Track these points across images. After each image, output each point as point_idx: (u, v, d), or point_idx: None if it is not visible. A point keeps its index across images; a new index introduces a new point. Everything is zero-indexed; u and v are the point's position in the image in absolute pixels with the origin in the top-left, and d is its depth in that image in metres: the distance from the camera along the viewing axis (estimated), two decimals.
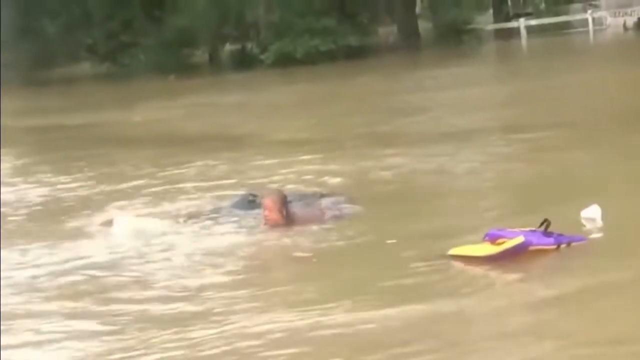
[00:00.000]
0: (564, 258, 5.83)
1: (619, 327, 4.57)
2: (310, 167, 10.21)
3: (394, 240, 6.49)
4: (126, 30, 38.27)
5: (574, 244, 5.97)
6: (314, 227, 7.06)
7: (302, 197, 7.64)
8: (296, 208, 7.33)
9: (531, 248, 5.84)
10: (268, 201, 7.20)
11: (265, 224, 7.16)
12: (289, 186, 8.76)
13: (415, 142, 11.64)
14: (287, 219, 7.12)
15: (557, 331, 4.58)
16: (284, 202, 7.18)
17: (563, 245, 5.94)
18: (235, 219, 7.50)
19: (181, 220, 7.77)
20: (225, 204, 8.03)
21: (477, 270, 5.72)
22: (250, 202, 7.71)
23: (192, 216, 7.86)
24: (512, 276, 5.64)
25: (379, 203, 7.93)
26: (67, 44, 40.14)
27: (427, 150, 10.72)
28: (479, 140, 11.40)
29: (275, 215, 7.10)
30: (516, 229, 6.01)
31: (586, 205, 6.56)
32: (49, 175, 11.60)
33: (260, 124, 16.13)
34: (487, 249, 5.87)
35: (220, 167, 10.79)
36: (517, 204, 7.63)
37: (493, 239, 5.89)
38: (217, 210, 7.89)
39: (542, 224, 5.99)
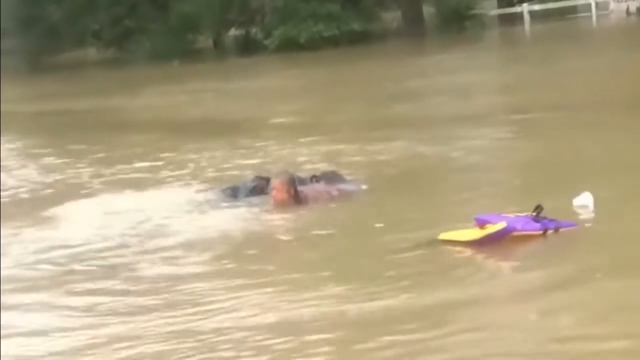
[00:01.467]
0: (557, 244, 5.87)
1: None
2: (313, 150, 10.39)
3: (381, 225, 6.60)
4: (131, 15, 38.30)
5: (562, 229, 5.98)
6: (319, 208, 7.30)
7: (299, 180, 7.82)
8: (304, 189, 7.57)
9: (515, 234, 5.88)
10: (276, 182, 7.52)
11: (274, 203, 7.43)
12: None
13: (417, 127, 11.75)
14: (295, 200, 7.40)
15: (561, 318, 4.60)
16: (292, 183, 7.47)
17: (550, 231, 5.94)
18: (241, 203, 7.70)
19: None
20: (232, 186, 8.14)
21: (475, 258, 5.79)
22: (258, 188, 7.88)
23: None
24: (509, 263, 5.72)
25: (380, 186, 8.06)
26: (73, 30, 40.17)
27: (429, 135, 10.82)
28: (480, 125, 11.51)
29: (282, 195, 7.39)
30: (510, 214, 6.08)
31: (578, 193, 6.55)
32: (51, 159, 11.77)
33: (263, 108, 16.25)
34: (473, 233, 5.94)
35: (222, 152, 10.93)
36: (516, 189, 7.75)
37: (481, 224, 5.95)
38: (224, 193, 8.04)
39: (535, 209, 6.03)
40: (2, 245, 6.90)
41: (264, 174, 8.15)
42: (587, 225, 6.24)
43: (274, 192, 7.47)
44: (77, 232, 7.27)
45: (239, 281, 5.66)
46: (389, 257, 5.84)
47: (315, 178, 7.90)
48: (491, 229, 5.86)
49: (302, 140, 11.25)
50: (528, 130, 10.76)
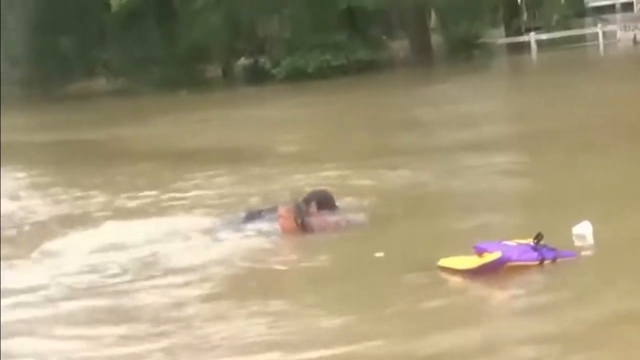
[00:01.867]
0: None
1: None
2: (319, 177, 10.41)
3: (382, 254, 6.60)
4: (141, 46, 38.64)
5: (560, 259, 5.93)
6: (324, 238, 7.35)
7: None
8: (312, 218, 7.61)
9: (511, 264, 5.83)
10: (283, 210, 7.59)
11: (281, 231, 7.51)
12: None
13: (422, 155, 11.76)
14: (302, 228, 7.48)
15: None
16: (298, 212, 7.53)
17: (547, 261, 5.89)
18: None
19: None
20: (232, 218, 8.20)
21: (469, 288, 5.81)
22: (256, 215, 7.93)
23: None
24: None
25: (384, 214, 8.08)
26: (83, 60, 40.55)
27: (433, 163, 10.89)
28: (485, 153, 11.51)
29: (289, 224, 7.48)
30: (511, 242, 6.02)
31: (578, 221, 6.48)
32: (57, 189, 11.79)
33: (270, 137, 16.33)
34: (471, 261, 5.91)
35: (228, 179, 11.00)
36: (518, 217, 7.73)
37: (479, 252, 5.92)
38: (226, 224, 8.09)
39: (535, 237, 5.98)
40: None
41: (256, 209, 8.18)
42: (584, 254, 6.19)
43: (280, 220, 7.55)
44: (77, 260, 7.33)
45: (236, 311, 5.69)
46: (386, 288, 5.86)
47: (305, 201, 7.88)
48: (486, 258, 5.84)
49: (308, 168, 11.31)
50: (533, 158, 10.81)
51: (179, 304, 5.96)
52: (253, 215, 7.93)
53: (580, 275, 5.83)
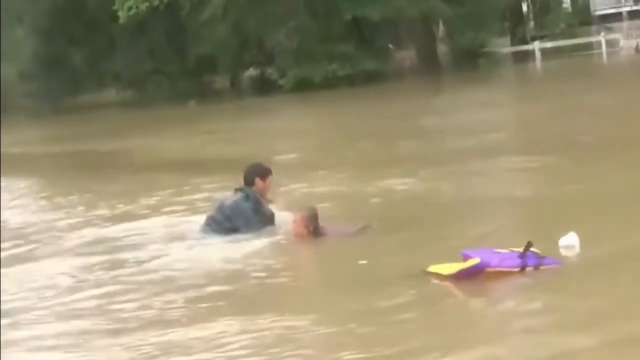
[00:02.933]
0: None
1: None
2: (324, 186, 10.63)
3: (365, 261, 6.78)
4: (150, 58, 39.03)
5: (543, 267, 5.93)
6: (334, 244, 7.57)
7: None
8: (327, 226, 7.81)
9: (490, 270, 5.87)
10: (297, 216, 7.81)
11: (293, 236, 7.74)
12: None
13: (427, 163, 11.86)
14: (315, 236, 7.69)
15: None
16: (312, 220, 7.73)
17: (529, 268, 5.89)
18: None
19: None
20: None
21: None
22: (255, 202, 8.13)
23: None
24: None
25: (388, 224, 8.15)
26: (93, 72, 40.95)
27: (439, 171, 11.00)
28: (488, 161, 11.64)
29: (301, 230, 7.70)
30: (502, 250, 6.08)
31: (565, 233, 6.46)
32: (61, 198, 12.12)
33: (276, 146, 16.45)
34: (453, 267, 6.01)
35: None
36: (516, 225, 7.86)
37: (465, 258, 6.00)
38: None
39: (526, 245, 5.98)
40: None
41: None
42: (571, 264, 6.20)
43: (294, 226, 7.77)
44: (73, 267, 7.56)
45: (229, 321, 5.76)
46: (376, 292, 5.97)
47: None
48: (466, 264, 5.92)
49: (313, 176, 11.52)
50: (537, 166, 10.83)
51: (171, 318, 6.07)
52: (243, 211, 8.08)
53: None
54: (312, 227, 7.69)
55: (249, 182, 8.23)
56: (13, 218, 10.87)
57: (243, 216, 8.09)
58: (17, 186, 14.29)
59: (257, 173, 8.27)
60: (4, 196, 12.82)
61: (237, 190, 8.29)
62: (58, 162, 19.33)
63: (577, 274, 6.06)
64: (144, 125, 25.99)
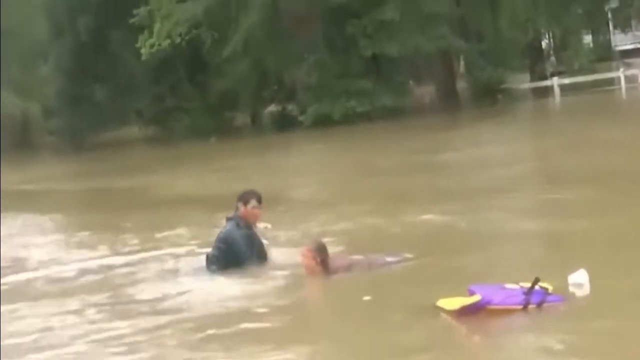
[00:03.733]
0: None
1: None
2: (341, 221, 10.62)
3: (369, 297, 6.82)
4: (171, 95, 39.46)
5: (546, 304, 5.92)
6: (343, 279, 7.53)
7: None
8: (337, 258, 7.80)
9: (492, 307, 5.88)
10: (304, 249, 7.80)
11: (304, 270, 7.71)
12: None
13: (442, 198, 11.94)
14: (323, 268, 7.63)
15: None
16: (319, 251, 7.67)
17: (532, 306, 5.89)
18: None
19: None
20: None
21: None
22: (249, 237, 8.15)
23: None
24: None
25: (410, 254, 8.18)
26: (116, 109, 41.42)
27: (453, 206, 11.04)
28: (505, 196, 11.68)
29: (309, 262, 7.67)
30: (510, 285, 6.08)
31: (574, 270, 6.42)
32: (79, 234, 12.34)
33: (294, 182, 16.67)
34: (457, 302, 6.03)
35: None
36: (528, 260, 7.83)
37: (471, 293, 6.04)
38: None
39: (533, 281, 5.99)
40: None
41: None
42: (577, 302, 6.19)
43: (303, 259, 7.72)
44: (75, 305, 7.69)
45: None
46: (385, 326, 6.04)
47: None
48: (467, 301, 5.95)
49: (330, 211, 11.63)
50: (550, 201, 10.93)
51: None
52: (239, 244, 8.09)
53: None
54: (321, 260, 7.63)
55: (237, 208, 8.23)
56: (16, 253, 11.05)
57: (236, 246, 8.05)
58: (24, 222, 14.55)
59: (239, 198, 8.25)
60: (13, 232, 13.08)
61: (227, 219, 8.28)
62: (73, 198, 19.60)
63: (583, 313, 6.05)
64: (164, 161, 26.29)
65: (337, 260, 7.78)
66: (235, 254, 8.04)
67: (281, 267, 8.11)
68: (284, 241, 9.42)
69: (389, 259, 7.84)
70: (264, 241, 8.42)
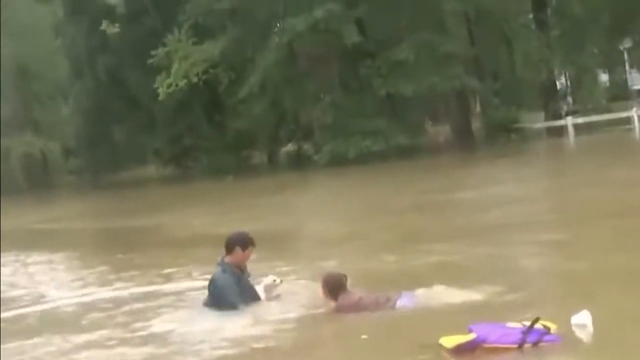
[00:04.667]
0: None
1: None
2: (354, 260, 10.66)
3: (366, 336, 6.88)
4: (189, 134, 39.85)
5: (542, 344, 5.90)
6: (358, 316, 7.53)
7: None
8: (351, 294, 7.69)
9: (488, 345, 5.92)
10: (321, 281, 7.80)
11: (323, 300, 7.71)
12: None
13: (456, 238, 11.90)
14: (334, 300, 7.61)
15: None
16: (333, 285, 7.67)
17: (528, 345, 5.89)
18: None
19: None
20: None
21: None
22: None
23: None
24: None
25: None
26: (134, 148, 41.86)
27: (463, 243, 11.14)
28: (521, 233, 11.77)
29: (321, 294, 7.71)
30: (512, 324, 6.11)
31: (577, 311, 6.38)
32: (88, 272, 12.54)
33: (308, 220, 16.83)
34: (454, 340, 6.06)
35: (262, 263, 11.44)
36: (534, 298, 7.82)
37: (470, 331, 6.07)
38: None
39: (533, 321, 5.96)
40: None
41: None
42: (576, 343, 6.17)
43: (320, 292, 7.74)
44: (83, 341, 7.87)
45: None
46: None
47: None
48: (463, 339, 5.99)
49: (344, 249, 11.77)
50: (560, 241, 10.94)
51: None
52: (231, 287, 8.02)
53: None
54: (328, 291, 7.62)
55: (228, 250, 8.11)
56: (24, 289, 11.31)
57: (223, 290, 7.97)
58: (35, 259, 14.79)
59: (237, 242, 8.12)
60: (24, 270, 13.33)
61: (218, 264, 8.21)
62: (89, 237, 19.85)
63: (580, 355, 6.09)
64: (181, 200, 26.53)
65: (351, 295, 7.69)
66: (223, 298, 7.97)
67: (287, 306, 8.17)
68: (296, 278, 9.54)
69: (400, 301, 7.74)
70: (276, 280, 8.45)
